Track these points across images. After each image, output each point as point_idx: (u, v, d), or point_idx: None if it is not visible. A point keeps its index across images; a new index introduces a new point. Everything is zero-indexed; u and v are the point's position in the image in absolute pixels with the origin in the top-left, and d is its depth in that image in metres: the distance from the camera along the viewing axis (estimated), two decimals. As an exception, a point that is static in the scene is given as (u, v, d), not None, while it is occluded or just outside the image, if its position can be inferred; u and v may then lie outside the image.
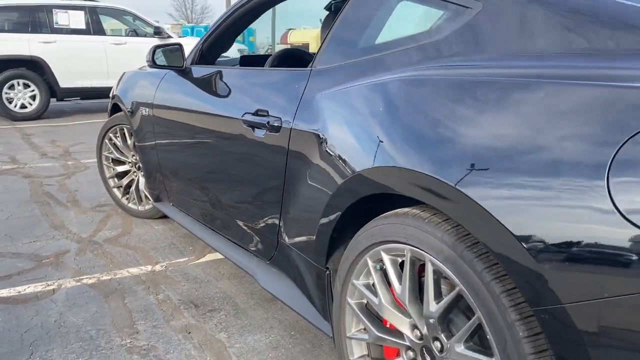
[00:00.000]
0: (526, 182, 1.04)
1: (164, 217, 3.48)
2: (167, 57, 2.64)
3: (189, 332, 2.22)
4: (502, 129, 1.14)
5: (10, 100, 8.19)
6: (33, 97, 8.32)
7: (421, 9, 1.80)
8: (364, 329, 1.56)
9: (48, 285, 2.63)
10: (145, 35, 9.06)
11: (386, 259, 1.43)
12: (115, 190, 3.76)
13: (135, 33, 9.12)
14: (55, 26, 8.45)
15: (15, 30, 8.26)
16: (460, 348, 1.23)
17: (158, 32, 9.05)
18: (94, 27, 8.67)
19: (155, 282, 2.69)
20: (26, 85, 8.27)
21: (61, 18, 8.59)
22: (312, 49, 13.33)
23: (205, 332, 2.23)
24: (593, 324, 0.96)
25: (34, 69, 8.24)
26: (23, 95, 8.28)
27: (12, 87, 8.18)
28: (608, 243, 0.93)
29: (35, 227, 3.46)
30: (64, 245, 3.16)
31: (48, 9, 8.48)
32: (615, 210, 0.92)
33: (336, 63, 1.78)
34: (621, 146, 0.94)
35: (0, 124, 8.04)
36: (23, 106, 8.31)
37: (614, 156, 0.94)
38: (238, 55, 3.94)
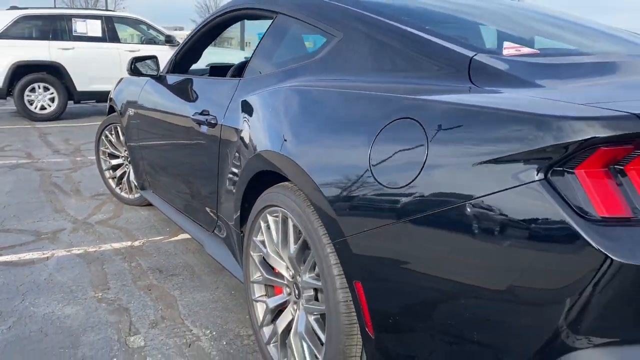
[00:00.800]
0: (328, 152, 1.56)
1: (150, 204, 4.03)
2: (145, 67, 3.19)
3: (150, 290, 2.75)
4: (322, 122, 1.66)
5: (31, 102, 8.89)
6: (52, 100, 9.01)
7: (310, 37, 2.32)
8: (261, 275, 2.07)
9: (43, 254, 3.19)
10: (157, 43, 9.70)
11: (270, 219, 1.95)
12: (110, 180, 4.32)
13: (151, 41, 9.76)
14: (74, 34, 9.14)
15: (37, 38, 8.97)
16: (306, 277, 1.74)
17: (169, 40, 9.68)
18: (110, 35, 9.34)
19: (131, 254, 3.23)
20: (46, 89, 8.96)
21: (80, 26, 9.28)
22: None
23: (163, 289, 2.76)
24: (363, 249, 1.46)
25: (54, 73, 8.92)
26: (43, 98, 8.98)
27: (33, 90, 8.87)
28: (363, 194, 1.44)
29: (40, 211, 4.04)
30: (62, 225, 3.73)
31: (68, 18, 9.18)
32: (370, 174, 1.43)
33: (255, 75, 2.31)
34: (381, 130, 1.45)
35: (21, 123, 8.72)
36: (43, 107, 9.00)
37: (377, 135, 1.45)
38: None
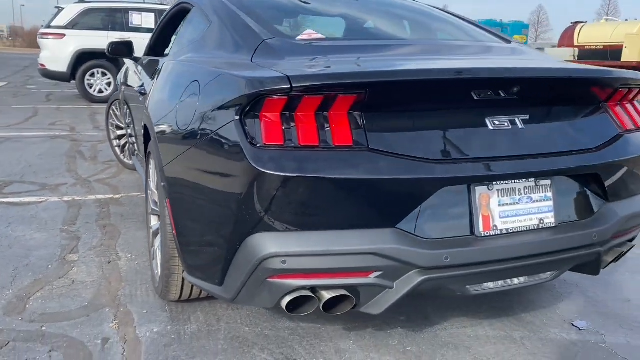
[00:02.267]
0: (161, 104, 2.17)
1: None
2: (123, 50, 3.90)
3: (105, 227, 3.46)
4: (165, 82, 2.27)
5: (90, 86, 10.01)
6: (108, 84, 10.08)
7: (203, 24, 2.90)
8: (151, 207, 2.69)
9: (40, 199, 3.99)
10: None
11: (151, 160, 2.57)
12: (116, 148, 5.11)
13: None
14: (130, 25, 10.17)
15: (98, 28, 10.06)
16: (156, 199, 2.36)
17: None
18: None
19: (107, 203, 3.96)
20: (104, 74, 10.04)
21: (135, 19, 10.30)
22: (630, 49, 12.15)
23: (115, 227, 3.45)
24: (169, 173, 2.06)
25: (111, 60, 9.97)
26: (101, 82, 10.07)
27: (92, 75, 9.98)
28: (171, 132, 2.04)
29: (55, 170, 4.89)
30: (66, 180, 4.54)
31: (125, 11, 10.22)
32: (175, 118, 2.03)
33: (171, 53, 2.94)
34: (185, 88, 2.03)
35: (80, 103, 9.86)
36: (100, 91, 10.09)
37: (183, 92, 2.04)
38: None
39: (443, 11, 3.10)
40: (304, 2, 2.77)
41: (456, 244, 1.76)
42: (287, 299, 1.75)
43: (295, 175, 1.59)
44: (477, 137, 1.80)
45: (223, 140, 1.72)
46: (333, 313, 1.82)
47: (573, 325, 2.38)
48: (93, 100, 10.07)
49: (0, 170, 4.78)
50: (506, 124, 1.83)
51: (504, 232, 1.84)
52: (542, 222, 1.90)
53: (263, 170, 1.59)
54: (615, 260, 2.24)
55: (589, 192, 2.01)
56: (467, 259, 1.76)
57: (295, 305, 1.78)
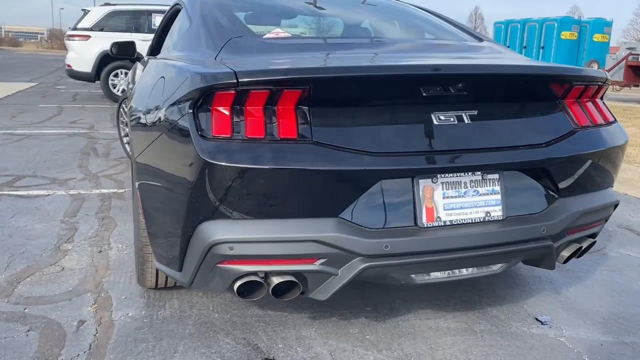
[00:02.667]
0: (137, 98, 2.29)
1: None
2: (125, 50, 4.06)
3: (103, 219, 3.62)
4: (142, 78, 2.39)
5: (114, 86, 10.31)
6: None
7: (186, 24, 3.03)
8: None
9: (47, 192, 4.18)
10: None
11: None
12: (126, 145, 5.30)
13: None
14: (152, 27, 10.44)
15: (123, 30, 10.36)
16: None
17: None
18: None
19: (110, 197, 4.13)
20: (127, 74, 10.32)
21: (158, 21, 10.57)
22: None
23: (113, 220, 3.61)
24: (139, 161, 2.18)
25: (135, 61, 10.25)
26: (124, 82, 10.35)
27: (116, 75, 10.27)
28: (141, 124, 2.16)
29: (67, 166, 5.09)
30: (76, 175, 4.73)
31: (148, 13, 10.50)
32: (144, 111, 2.15)
33: (161, 52, 3.08)
34: (155, 83, 2.15)
35: (104, 103, 10.16)
36: (123, 91, 10.37)
37: (153, 86, 2.16)
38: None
39: (425, 10, 3.16)
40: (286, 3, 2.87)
41: (397, 234, 1.82)
42: (238, 283, 1.85)
43: (239, 165, 1.69)
44: (421, 131, 1.86)
45: (178, 133, 1.83)
46: (283, 298, 1.91)
47: (537, 319, 2.42)
48: (116, 99, 10.34)
49: (15, 165, 5.00)
50: (452, 119, 1.89)
51: (448, 223, 1.90)
52: (488, 214, 1.95)
53: (209, 160, 1.69)
54: (577, 255, 2.27)
55: (540, 187, 2.05)
56: (408, 248, 1.82)
57: (246, 290, 1.87)
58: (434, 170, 1.86)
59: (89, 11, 10.62)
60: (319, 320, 2.35)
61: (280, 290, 1.88)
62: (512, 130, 1.99)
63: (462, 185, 1.93)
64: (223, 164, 1.69)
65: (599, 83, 2.17)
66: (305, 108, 1.78)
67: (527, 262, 2.18)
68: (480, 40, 2.74)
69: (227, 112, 1.75)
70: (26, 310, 2.37)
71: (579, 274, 2.92)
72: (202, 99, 1.76)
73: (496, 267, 2.06)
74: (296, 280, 1.85)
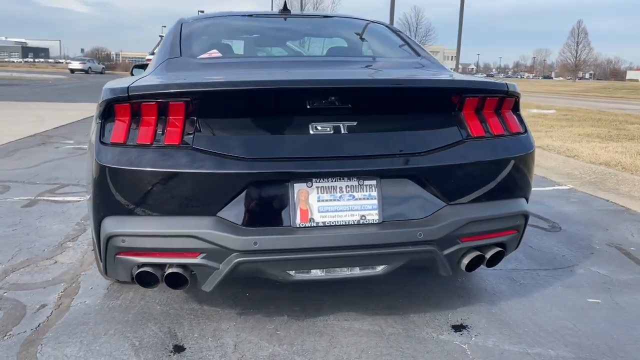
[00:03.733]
0: None
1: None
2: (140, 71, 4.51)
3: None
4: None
5: None
6: None
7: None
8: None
9: (78, 199, 4.71)
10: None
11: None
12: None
13: None
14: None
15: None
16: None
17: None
18: None
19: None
20: None
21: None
22: None
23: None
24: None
25: None
26: None
27: None
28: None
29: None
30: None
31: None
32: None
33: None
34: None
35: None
36: None
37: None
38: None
39: (386, 27, 3.31)
40: (242, 27, 3.15)
41: (269, 232, 2.01)
42: (135, 273, 2.11)
43: (126, 167, 1.97)
44: (297, 140, 2.04)
45: (92, 141, 2.14)
46: (178, 289, 2.15)
47: (453, 327, 2.46)
48: None
49: (66, 175, 5.64)
50: (328, 129, 2.06)
51: (321, 224, 2.06)
52: (364, 218, 2.08)
53: (103, 163, 1.99)
54: (488, 264, 2.32)
55: (426, 194, 2.14)
56: (278, 245, 2.00)
57: (144, 280, 2.13)
58: (309, 175, 2.03)
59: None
60: (244, 317, 2.55)
61: (174, 282, 2.12)
62: (392, 140, 2.11)
63: (338, 189, 2.08)
64: (113, 166, 1.98)
65: (500, 95, 2.22)
66: (188, 118, 2.02)
67: (423, 267, 2.26)
68: (418, 55, 2.84)
69: (123, 122, 2.04)
70: (5, 294, 2.77)
71: (529, 287, 2.90)
72: (106, 111, 2.06)
73: (378, 269, 2.17)
74: (182, 273, 2.08)
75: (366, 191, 2.10)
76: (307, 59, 2.78)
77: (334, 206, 2.08)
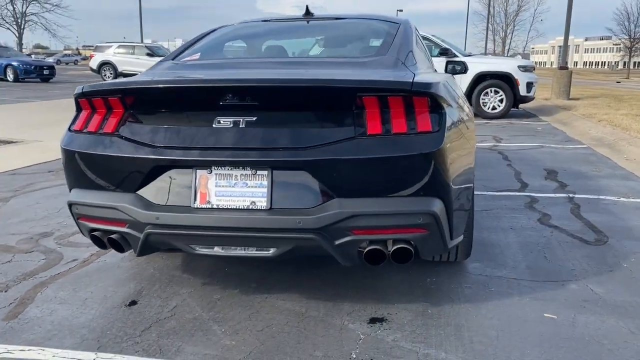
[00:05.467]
0: None
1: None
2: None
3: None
4: None
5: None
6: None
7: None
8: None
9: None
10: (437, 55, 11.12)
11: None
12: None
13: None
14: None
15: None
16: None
17: (444, 52, 11.04)
18: None
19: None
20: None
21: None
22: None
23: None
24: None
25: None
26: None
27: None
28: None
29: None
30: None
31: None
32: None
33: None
34: None
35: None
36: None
37: None
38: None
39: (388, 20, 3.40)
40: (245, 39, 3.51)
41: (172, 210, 2.36)
42: (89, 235, 2.62)
43: (73, 150, 2.49)
44: (203, 132, 2.35)
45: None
46: (122, 252, 2.62)
47: (373, 318, 2.54)
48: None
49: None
50: (229, 123, 2.33)
51: (216, 207, 2.34)
52: (253, 204, 2.31)
53: (62, 146, 2.53)
54: (395, 260, 2.38)
55: (316, 186, 2.28)
56: (178, 222, 2.34)
57: (96, 242, 2.64)
58: (209, 163, 2.33)
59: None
60: (205, 286, 2.93)
61: (116, 246, 2.58)
62: (285, 134, 2.29)
63: (233, 177, 2.34)
64: (65, 147, 2.52)
65: (402, 94, 2.26)
66: (121, 112, 2.47)
67: (319, 255, 2.39)
68: (395, 57, 2.86)
69: (83, 113, 2.56)
70: (57, 248, 3.53)
71: (494, 295, 2.79)
72: (76, 104, 2.60)
73: (269, 251, 2.37)
74: (117, 239, 2.53)
75: (258, 180, 2.32)
76: (271, 61, 3.03)
77: (229, 192, 2.35)
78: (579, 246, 3.51)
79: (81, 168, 2.52)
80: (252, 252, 2.41)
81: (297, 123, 2.34)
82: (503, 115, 11.13)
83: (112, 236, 2.56)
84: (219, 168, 2.36)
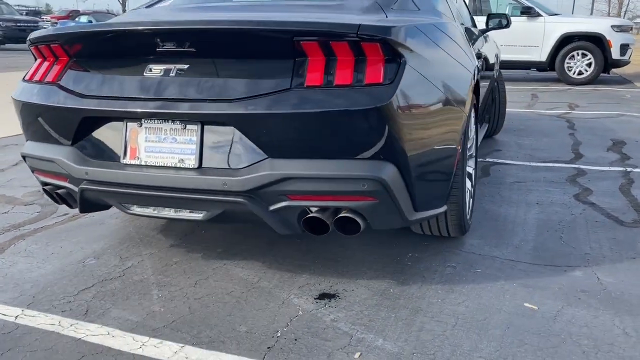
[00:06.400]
0: None
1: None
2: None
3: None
4: None
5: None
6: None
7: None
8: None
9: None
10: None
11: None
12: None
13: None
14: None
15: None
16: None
17: (526, 11, 10.11)
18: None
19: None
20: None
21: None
22: None
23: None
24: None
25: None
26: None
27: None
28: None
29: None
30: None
31: None
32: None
33: None
34: None
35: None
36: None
37: None
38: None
39: None
40: None
41: (102, 165, 2.21)
42: (43, 190, 2.55)
43: (20, 100, 2.40)
44: (134, 81, 2.16)
45: None
46: (72, 208, 2.52)
47: (323, 294, 2.29)
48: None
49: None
50: (160, 71, 2.12)
51: (145, 164, 2.16)
52: (182, 162, 2.11)
53: (12, 96, 2.45)
54: (341, 231, 2.11)
55: (249, 144, 2.03)
56: (106, 178, 2.19)
57: (49, 196, 2.56)
58: (139, 115, 2.14)
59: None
60: (170, 248, 2.80)
61: (63, 201, 2.49)
62: (217, 85, 2.04)
63: (163, 132, 2.14)
64: (14, 98, 2.43)
65: (349, 38, 1.93)
66: (67, 59, 2.33)
67: (258, 222, 2.16)
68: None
69: (36, 63, 2.47)
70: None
71: (477, 278, 2.42)
72: (32, 53, 2.50)
73: (199, 215, 2.16)
74: (62, 194, 2.43)
75: (187, 135, 2.11)
76: (236, 4, 2.73)
77: (158, 147, 2.15)
78: (609, 227, 2.99)
79: (29, 119, 2.42)
80: (184, 214, 2.22)
81: (231, 72, 2.09)
82: (590, 81, 9.99)
83: (58, 191, 2.46)
84: (149, 121, 2.17)
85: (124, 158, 2.21)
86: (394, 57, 2.00)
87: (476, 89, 2.97)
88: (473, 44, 3.45)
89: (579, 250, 2.69)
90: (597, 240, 2.81)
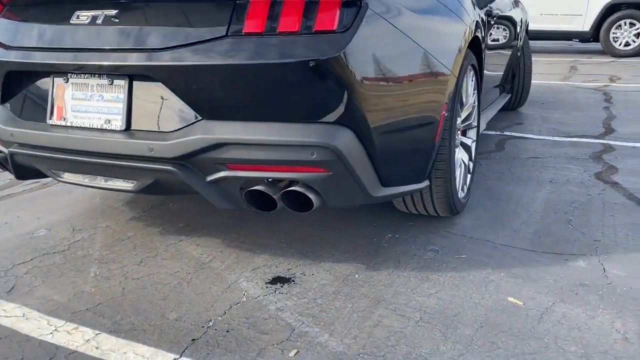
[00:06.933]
0: None
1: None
2: None
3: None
4: None
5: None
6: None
7: None
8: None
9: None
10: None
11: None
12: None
13: None
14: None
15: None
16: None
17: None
18: None
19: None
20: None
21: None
22: None
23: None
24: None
25: None
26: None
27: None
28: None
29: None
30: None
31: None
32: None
33: None
34: None
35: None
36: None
37: None
38: None
39: None
40: None
41: (27, 126, 1.96)
42: None
43: None
44: (61, 30, 1.90)
45: None
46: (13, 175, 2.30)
47: (276, 278, 2.01)
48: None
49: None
50: (87, 19, 1.84)
51: (72, 125, 1.90)
52: (108, 123, 1.84)
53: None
54: (291, 207, 1.82)
55: (181, 104, 1.75)
56: (32, 141, 1.94)
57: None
58: (63, 68, 1.88)
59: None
60: (129, 222, 2.57)
61: (4, 167, 2.27)
62: (147, 34, 1.75)
63: (89, 88, 1.87)
64: None
65: None
66: (1, 8, 2.08)
67: (195, 193, 1.88)
68: None
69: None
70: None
71: (459, 265, 2.09)
72: None
73: (130, 185, 1.89)
74: None
75: (114, 92, 1.83)
76: None
77: (85, 106, 1.89)
78: (630, 211, 2.59)
79: None
80: (115, 183, 1.96)
81: (163, 19, 1.79)
82: (638, 52, 9.21)
83: (-5, 158, 2.24)
84: (75, 76, 1.90)
85: (50, 118, 1.96)
86: (352, 2, 1.67)
87: (475, 47, 2.58)
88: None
89: (588, 237, 2.31)
90: (611, 226, 2.42)
